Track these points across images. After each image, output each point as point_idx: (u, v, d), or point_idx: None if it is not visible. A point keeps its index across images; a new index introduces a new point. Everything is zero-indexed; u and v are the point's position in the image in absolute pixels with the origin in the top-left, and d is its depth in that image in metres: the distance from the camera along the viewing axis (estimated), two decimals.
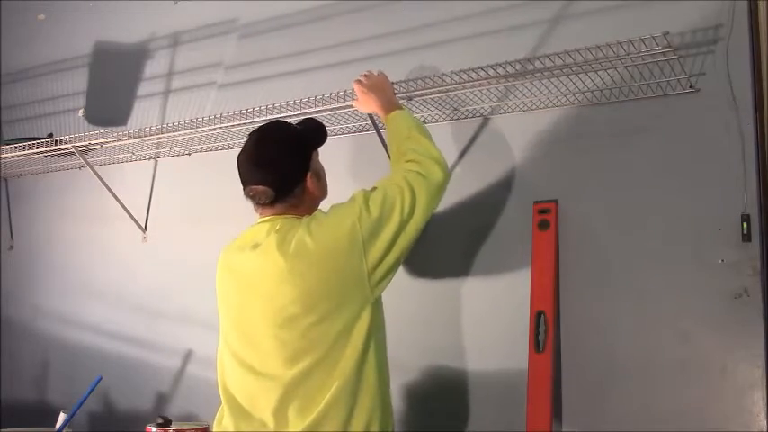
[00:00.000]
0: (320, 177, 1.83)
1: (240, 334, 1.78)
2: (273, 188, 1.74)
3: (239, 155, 1.80)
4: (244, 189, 1.78)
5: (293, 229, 1.72)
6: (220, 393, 1.80)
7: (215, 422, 1.81)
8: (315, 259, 1.68)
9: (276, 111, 2.22)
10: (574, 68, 1.86)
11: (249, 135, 1.83)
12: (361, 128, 2.34)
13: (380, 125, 2.19)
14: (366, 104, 1.98)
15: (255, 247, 1.75)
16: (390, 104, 1.94)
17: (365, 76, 2.00)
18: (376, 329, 1.73)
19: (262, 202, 1.77)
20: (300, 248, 1.69)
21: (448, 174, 1.84)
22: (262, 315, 1.72)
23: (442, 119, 2.23)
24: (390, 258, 1.71)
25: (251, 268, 1.76)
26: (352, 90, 2.02)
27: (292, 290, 1.67)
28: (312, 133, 1.86)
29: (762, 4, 1.84)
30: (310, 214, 1.79)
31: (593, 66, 1.84)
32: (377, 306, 1.75)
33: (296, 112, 2.20)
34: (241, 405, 1.74)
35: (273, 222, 1.76)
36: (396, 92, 2.02)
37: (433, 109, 2.19)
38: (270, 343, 1.70)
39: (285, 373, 1.68)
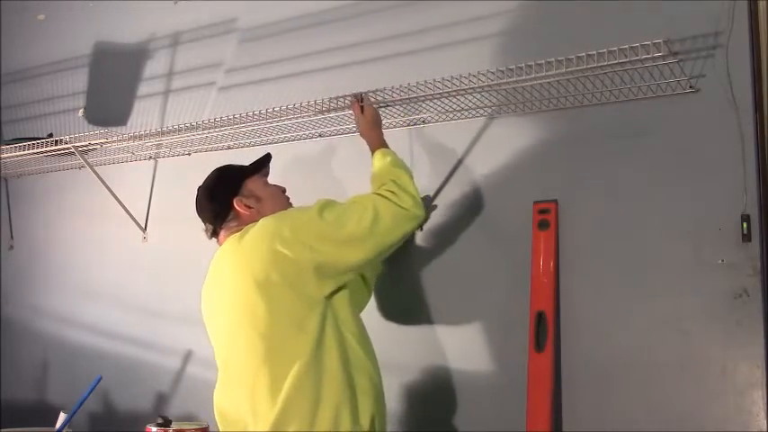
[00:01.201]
0: (260, 200, 1.94)
1: (223, 349, 1.85)
2: (210, 222, 1.94)
3: None
4: None
5: (246, 231, 1.83)
6: (217, 421, 1.84)
7: None
8: (261, 241, 1.77)
9: (276, 114, 2.22)
10: (575, 73, 1.86)
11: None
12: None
13: None
14: (363, 131, 2.09)
15: (221, 265, 1.86)
16: (380, 141, 2.07)
17: (362, 103, 2.09)
18: (335, 323, 1.76)
19: (210, 234, 1.96)
20: (250, 234, 1.80)
21: (421, 210, 1.91)
22: (228, 314, 1.80)
23: (443, 119, 2.23)
24: (339, 265, 1.78)
25: (221, 284, 1.85)
26: (353, 103, 2.09)
27: (243, 271, 1.76)
28: (246, 166, 2.01)
29: (762, 5, 1.85)
30: None
31: (594, 71, 1.84)
32: (339, 302, 1.80)
33: (295, 116, 2.21)
34: (229, 418, 1.80)
35: (231, 239, 1.86)
36: (397, 95, 2.04)
37: (434, 109, 2.19)
38: (236, 338, 1.78)
39: (248, 364, 1.73)
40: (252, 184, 1.96)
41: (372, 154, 2.04)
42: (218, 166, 2.05)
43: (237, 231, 1.86)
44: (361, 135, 2.11)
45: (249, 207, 1.91)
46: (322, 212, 1.80)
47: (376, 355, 1.88)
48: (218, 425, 1.85)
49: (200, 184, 2.00)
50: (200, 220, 1.97)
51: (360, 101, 2.09)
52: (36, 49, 3.31)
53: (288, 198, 2.01)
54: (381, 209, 1.84)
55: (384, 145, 2.06)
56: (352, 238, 1.79)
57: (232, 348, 1.80)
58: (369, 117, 2.07)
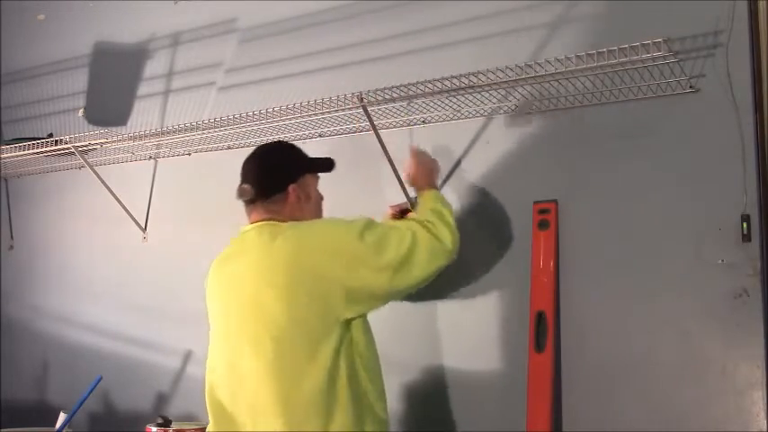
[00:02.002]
0: (309, 199, 1.87)
1: (228, 344, 1.80)
2: (254, 186, 1.83)
3: None
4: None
5: (280, 231, 1.76)
6: (207, 406, 1.81)
7: None
8: (295, 258, 1.71)
9: (276, 114, 2.22)
10: (575, 72, 1.86)
11: None
12: (359, 129, 2.34)
13: (379, 126, 2.20)
14: (416, 173, 2.01)
15: (240, 254, 1.81)
16: (433, 184, 2.01)
17: (420, 155, 2.04)
18: (350, 350, 1.71)
19: (244, 199, 1.85)
20: (285, 240, 1.73)
21: (456, 247, 1.82)
22: (245, 319, 1.74)
23: (443, 119, 2.23)
24: (372, 291, 1.72)
25: (236, 275, 1.79)
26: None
27: (270, 282, 1.70)
28: (315, 160, 1.93)
29: (762, 5, 1.84)
30: None
31: (593, 70, 1.84)
32: (356, 328, 1.74)
33: (295, 116, 2.20)
34: (225, 411, 1.76)
35: (260, 228, 1.80)
36: (396, 95, 2.04)
37: (434, 109, 2.19)
38: (249, 345, 1.72)
39: (257, 368, 1.69)
40: (310, 180, 1.90)
41: (422, 193, 1.97)
42: (280, 140, 1.99)
43: (272, 221, 1.80)
44: (412, 181, 2.03)
45: (299, 200, 1.84)
46: (363, 234, 1.72)
47: (383, 381, 1.81)
48: (209, 411, 1.80)
49: (261, 146, 1.93)
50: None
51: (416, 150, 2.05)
52: (36, 49, 3.31)
53: (322, 210, 1.95)
54: (419, 239, 1.76)
55: (435, 187, 2.00)
56: (389, 265, 1.71)
57: (239, 348, 1.74)
58: (427, 160, 2.03)
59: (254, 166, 1.87)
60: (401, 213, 2.15)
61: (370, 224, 1.77)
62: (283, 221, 1.80)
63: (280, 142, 1.99)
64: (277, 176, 1.84)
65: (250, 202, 1.85)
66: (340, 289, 1.69)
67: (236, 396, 1.75)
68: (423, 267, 1.76)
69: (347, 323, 1.71)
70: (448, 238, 1.81)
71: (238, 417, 1.74)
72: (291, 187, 1.83)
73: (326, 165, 1.94)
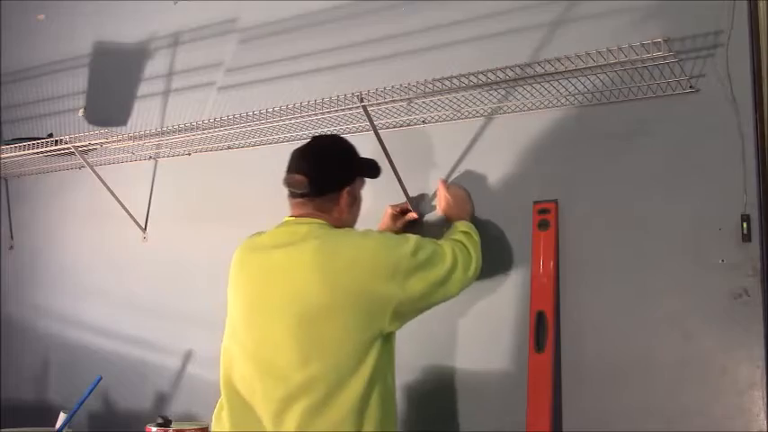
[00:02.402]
0: (354, 203, 1.87)
1: (254, 330, 1.75)
2: (310, 180, 1.77)
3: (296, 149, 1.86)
4: (285, 177, 1.82)
5: (333, 234, 1.75)
6: (222, 387, 1.80)
7: (214, 417, 1.82)
8: (353, 270, 1.69)
9: (276, 114, 2.22)
10: (575, 72, 1.86)
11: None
12: (359, 129, 2.33)
13: (379, 126, 2.20)
14: (450, 207, 2.08)
15: (287, 245, 1.75)
16: (467, 216, 2.07)
17: (451, 188, 2.11)
18: (383, 371, 1.73)
19: (295, 191, 1.79)
20: (340, 254, 1.71)
21: (479, 267, 1.91)
22: (283, 313, 1.70)
23: (443, 119, 2.23)
24: (417, 304, 1.77)
25: (280, 265, 1.74)
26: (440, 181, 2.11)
27: (322, 292, 1.67)
28: (367, 163, 1.93)
29: (762, 5, 1.85)
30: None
31: (593, 70, 1.85)
32: (390, 345, 1.77)
33: (295, 116, 2.20)
34: (243, 400, 1.73)
35: (309, 225, 1.77)
36: (396, 95, 2.04)
37: (434, 109, 2.19)
38: (285, 342, 1.69)
39: (293, 375, 1.67)
40: (360, 184, 1.89)
41: (455, 223, 2.02)
42: (339, 136, 1.96)
43: (321, 220, 1.78)
44: (445, 214, 2.09)
45: (348, 203, 1.82)
46: (417, 252, 1.75)
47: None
48: (224, 396, 1.78)
49: (320, 137, 1.92)
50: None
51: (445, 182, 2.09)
52: (36, 49, 3.31)
53: None
54: (459, 260, 1.83)
55: (470, 219, 2.05)
56: (435, 281, 1.77)
57: (277, 349, 1.70)
58: (456, 193, 2.08)
59: (313, 160, 1.81)
60: (401, 213, 2.17)
61: (420, 242, 1.79)
62: (333, 225, 1.78)
63: (340, 138, 1.92)
64: (336, 177, 1.81)
65: (298, 195, 1.80)
66: (390, 305, 1.70)
67: (259, 395, 1.70)
68: (457, 285, 1.84)
69: (387, 337, 1.74)
70: (473, 256, 1.88)
71: (258, 413, 1.70)
72: (346, 190, 1.82)
73: (375, 171, 1.95)
